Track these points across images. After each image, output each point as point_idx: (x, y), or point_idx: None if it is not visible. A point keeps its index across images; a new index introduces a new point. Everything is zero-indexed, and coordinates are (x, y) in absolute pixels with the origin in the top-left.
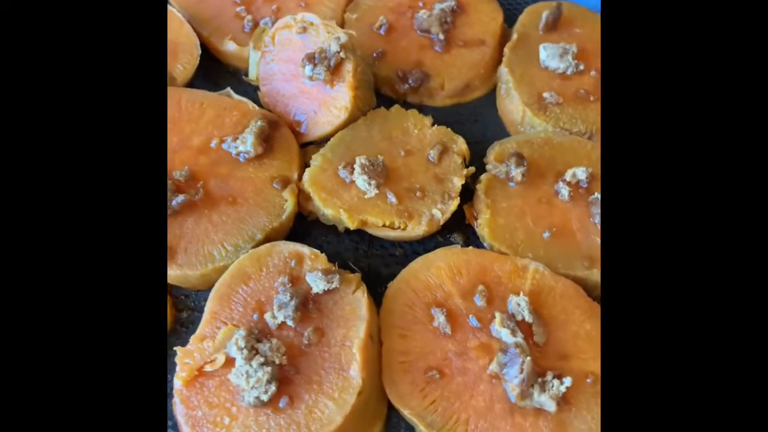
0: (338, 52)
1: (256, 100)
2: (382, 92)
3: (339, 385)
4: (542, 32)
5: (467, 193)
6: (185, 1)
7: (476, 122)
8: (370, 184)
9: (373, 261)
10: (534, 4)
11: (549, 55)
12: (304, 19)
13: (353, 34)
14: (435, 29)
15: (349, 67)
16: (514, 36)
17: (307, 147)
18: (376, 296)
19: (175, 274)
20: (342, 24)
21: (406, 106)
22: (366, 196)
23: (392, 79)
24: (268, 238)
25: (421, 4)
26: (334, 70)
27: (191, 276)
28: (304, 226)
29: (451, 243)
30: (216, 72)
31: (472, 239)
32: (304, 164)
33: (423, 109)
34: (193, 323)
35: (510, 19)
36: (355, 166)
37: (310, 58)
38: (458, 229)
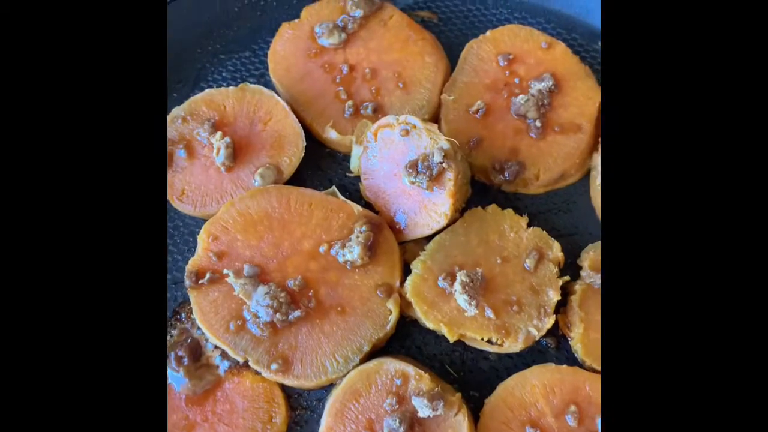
0: (441, 163)
1: (358, 190)
2: (476, 179)
3: None
4: None
5: (561, 296)
6: (286, 81)
7: (569, 212)
8: (470, 304)
9: (468, 363)
10: None
11: None
12: (407, 121)
13: (455, 142)
14: (532, 114)
15: (450, 176)
16: None
17: (406, 245)
18: (471, 400)
19: (291, 383)
20: (439, 105)
21: (500, 194)
22: (466, 314)
23: (488, 169)
24: (374, 347)
25: (517, 80)
26: (435, 178)
27: (306, 385)
28: (404, 327)
29: (544, 348)
30: (318, 154)
31: (563, 343)
32: (404, 265)
33: (516, 198)
34: (307, 422)
35: None
36: (455, 284)
37: (413, 166)
38: (551, 333)
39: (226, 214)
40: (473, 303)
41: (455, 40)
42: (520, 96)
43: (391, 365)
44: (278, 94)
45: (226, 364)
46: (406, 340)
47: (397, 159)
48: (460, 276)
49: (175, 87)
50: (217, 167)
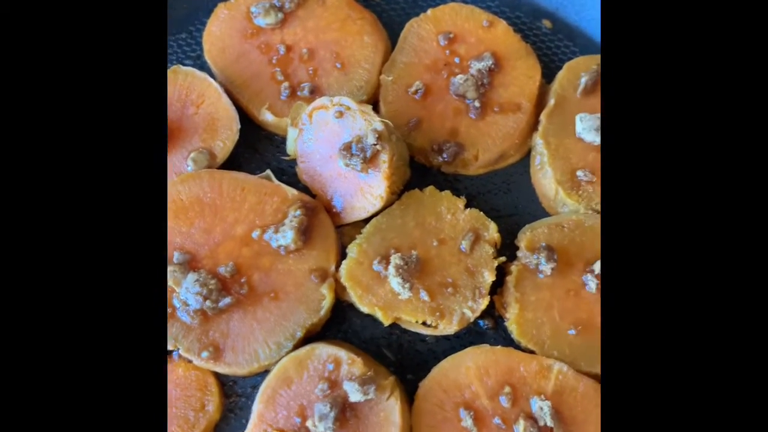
0: (374, 144)
1: (295, 174)
2: (416, 161)
3: None
4: (580, 96)
5: (498, 276)
6: (221, 62)
7: (509, 192)
8: (404, 287)
9: (405, 345)
10: (575, 58)
11: (585, 127)
12: (341, 102)
13: (389, 123)
14: (471, 94)
15: (384, 158)
16: (551, 102)
17: (343, 228)
18: (408, 384)
19: (223, 371)
20: (378, 86)
21: (440, 176)
22: (400, 297)
23: (427, 150)
24: (309, 333)
25: (457, 60)
26: (370, 160)
27: (239, 372)
28: (341, 311)
29: (482, 329)
30: (254, 136)
31: (500, 324)
32: (341, 247)
33: (456, 179)
34: (242, 409)
35: (550, 71)
36: (389, 267)
37: (347, 148)
38: (488, 314)
39: None
40: (407, 286)
41: (397, 18)
42: (459, 76)
43: (324, 350)
44: (213, 77)
45: None
46: (342, 324)
47: (332, 141)
48: (394, 259)
49: None
50: None
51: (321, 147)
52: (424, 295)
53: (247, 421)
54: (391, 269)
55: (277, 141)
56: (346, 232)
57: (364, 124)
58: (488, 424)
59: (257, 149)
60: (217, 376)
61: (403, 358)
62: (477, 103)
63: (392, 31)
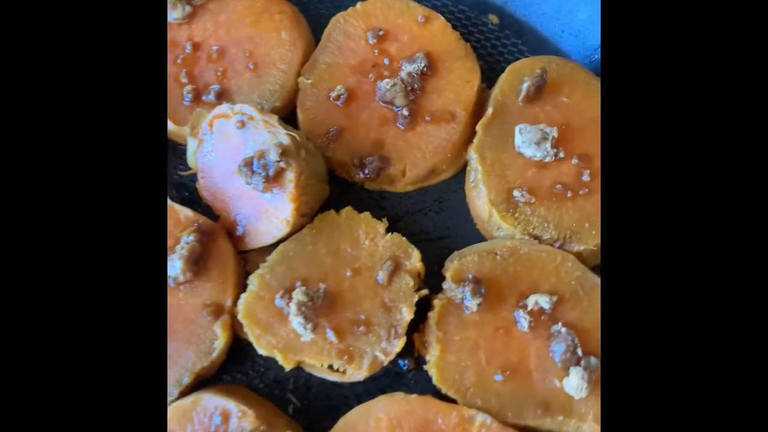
0: (278, 161)
1: (197, 190)
2: (337, 175)
3: None
4: (522, 104)
5: (422, 310)
6: None
7: (441, 211)
8: (306, 327)
9: (313, 389)
10: (519, 60)
11: (525, 140)
12: (242, 111)
13: (296, 137)
14: (399, 101)
15: (290, 177)
16: (489, 111)
17: (248, 254)
18: None
19: None
20: (296, 90)
21: (364, 193)
22: (302, 339)
23: (348, 164)
24: (198, 377)
25: (387, 61)
26: (274, 178)
27: None
28: (242, 348)
29: (400, 368)
30: None
31: (423, 363)
32: (243, 276)
33: (382, 197)
34: None
35: (494, 74)
36: (291, 303)
37: (248, 164)
38: (409, 353)
39: None
40: (309, 326)
41: (326, 12)
42: (386, 80)
43: (210, 401)
44: None
45: None
46: (244, 363)
47: (234, 155)
48: (297, 294)
49: None
50: None
51: (222, 161)
52: (330, 336)
53: None
54: (293, 307)
55: (180, 151)
56: (251, 258)
57: (269, 136)
58: None
59: None
60: None
61: (311, 404)
62: (406, 112)
63: (319, 27)
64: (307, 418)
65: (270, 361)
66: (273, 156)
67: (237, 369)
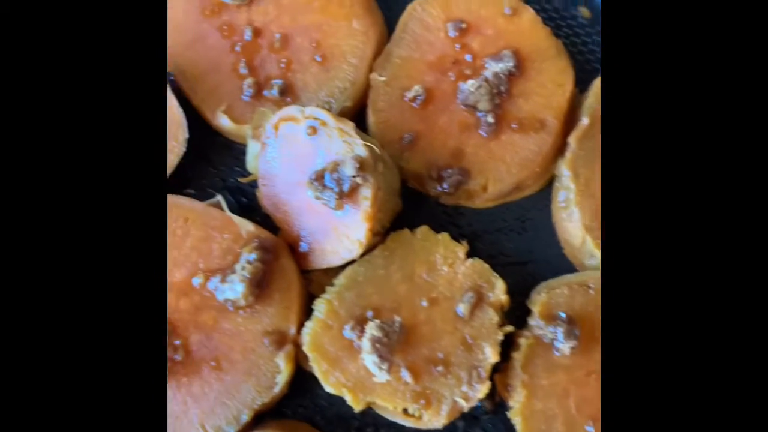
0: (354, 177)
1: (256, 197)
2: (410, 186)
3: None
4: None
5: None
6: (172, 44)
7: (523, 232)
8: (381, 368)
9: (383, 429)
10: None
11: None
12: (314, 115)
13: (374, 149)
14: (484, 106)
15: (366, 193)
16: (584, 121)
17: (312, 273)
18: None
19: None
20: (367, 87)
21: (438, 207)
22: (375, 379)
23: (423, 176)
24: (258, 413)
25: (469, 57)
26: (348, 194)
27: None
28: (302, 378)
29: (476, 412)
30: (208, 142)
31: (501, 407)
32: (306, 298)
33: (458, 212)
34: None
35: (586, 76)
36: (363, 338)
37: (319, 178)
38: (486, 395)
39: None
40: (384, 366)
41: None
42: (470, 82)
43: None
44: None
45: None
46: (305, 397)
47: (302, 164)
48: (371, 329)
49: None
50: None
51: (288, 169)
52: (406, 376)
53: None
54: (366, 342)
55: (237, 150)
56: (315, 278)
57: (343, 147)
58: None
59: (211, 160)
60: None
61: None
62: (490, 118)
63: (391, 14)
64: None
65: (333, 396)
66: (349, 170)
67: (297, 402)
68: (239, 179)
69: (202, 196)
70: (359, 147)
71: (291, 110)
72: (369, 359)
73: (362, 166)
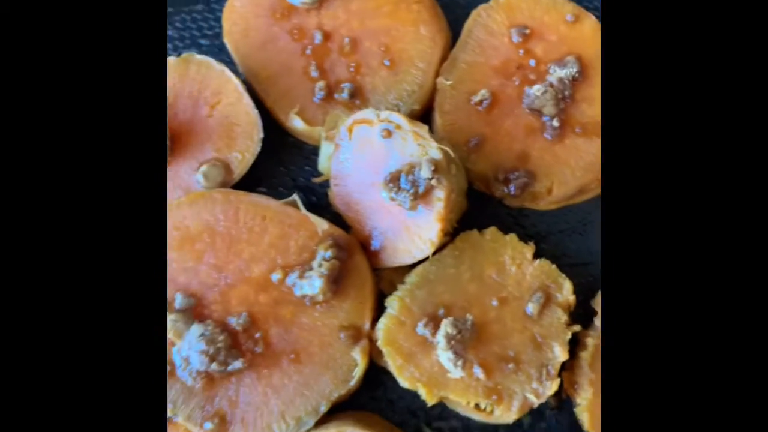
0: (429, 179)
1: (327, 195)
2: (475, 188)
3: None
4: None
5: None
6: (243, 47)
7: (585, 233)
8: (456, 364)
9: (452, 421)
10: None
11: None
12: (389, 119)
13: (448, 152)
14: (549, 110)
15: (440, 195)
16: None
17: (382, 271)
18: None
19: None
20: (434, 91)
21: (502, 209)
22: (449, 375)
23: (489, 178)
24: (336, 403)
25: (533, 63)
26: (422, 196)
27: None
28: (375, 372)
29: (542, 407)
30: (279, 142)
31: (566, 404)
32: (378, 296)
33: (522, 214)
34: None
35: None
36: (438, 335)
37: (394, 179)
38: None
39: None
40: (459, 363)
41: (462, 2)
42: (536, 86)
43: None
44: (233, 64)
45: None
46: (376, 389)
47: (375, 165)
48: (445, 326)
49: None
50: None
51: (361, 170)
52: (478, 372)
53: None
54: (441, 339)
55: (308, 150)
56: (385, 276)
57: (418, 149)
58: None
59: (282, 161)
60: None
61: None
62: (555, 122)
63: (455, 19)
64: None
65: (403, 390)
66: (425, 172)
67: (370, 395)
68: (312, 179)
69: (273, 194)
70: (434, 150)
71: (366, 113)
72: (444, 356)
73: (437, 168)
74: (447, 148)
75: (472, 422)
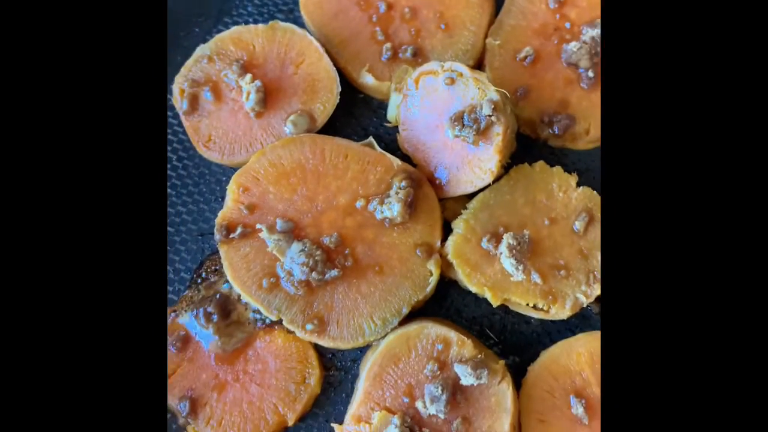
0: (490, 116)
1: (395, 140)
2: (521, 132)
3: None
4: None
5: None
6: (318, 18)
7: None
8: (517, 269)
9: (509, 326)
10: None
11: None
12: (452, 68)
13: (506, 94)
14: (584, 63)
15: (498, 130)
16: None
17: (445, 201)
18: (511, 366)
19: (326, 344)
20: (484, 50)
21: (546, 149)
22: (512, 278)
23: (535, 122)
24: (413, 309)
25: (568, 25)
26: (483, 132)
27: (341, 346)
28: (442, 287)
29: (587, 311)
30: (350, 99)
31: None
32: (444, 223)
33: (563, 153)
34: (341, 383)
35: None
36: (501, 246)
37: (458, 118)
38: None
39: (257, 163)
40: (520, 267)
41: None
42: (572, 43)
43: (433, 330)
44: (309, 33)
45: (258, 321)
46: (444, 301)
47: (440, 109)
48: (507, 238)
49: (196, 21)
50: (246, 112)
51: (427, 115)
52: (535, 277)
53: (347, 395)
54: (504, 249)
55: (374, 105)
56: (448, 206)
57: (478, 93)
58: (599, 413)
59: (354, 114)
60: (316, 347)
61: (507, 340)
62: (591, 73)
63: None
64: (503, 351)
65: (468, 299)
66: (486, 110)
67: (438, 305)
68: (385, 124)
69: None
70: (492, 92)
71: (431, 65)
72: (507, 262)
73: (496, 107)
74: (504, 91)
75: (522, 328)
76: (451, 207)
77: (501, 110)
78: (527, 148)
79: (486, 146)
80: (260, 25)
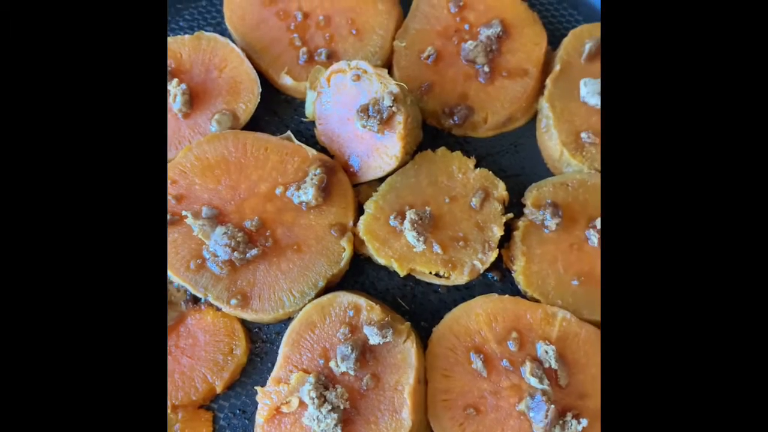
0: (391, 107)
1: (314, 135)
2: (428, 123)
3: (393, 426)
4: (585, 62)
5: (505, 232)
6: (241, 28)
7: (516, 153)
8: (418, 240)
9: (419, 296)
10: (579, 26)
11: (589, 92)
12: (358, 66)
13: (404, 86)
14: (480, 60)
15: (400, 119)
16: (557, 67)
17: (360, 186)
18: (422, 330)
19: (250, 317)
20: (392, 51)
21: (450, 138)
22: (415, 250)
23: (438, 113)
24: (329, 283)
25: (467, 27)
26: (386, 121)
27: (264, 319)
28: (358, 264)
29: (489, 280)
30: (274, 100)
31: (507, 277)
32: (358, 204)
33: (466, 141)
34: (267, 354)
35: (555, 38)
36: (405, 221)
37: (364, 110)
38: (495, 267)
39: (184, 158)
40: (421, 239)
41: None
42: (469, 42)
43: (345, 298)
44: (234, 43)
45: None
46: (360, 276)
47: (349, 104)
48: (410, 214)
49: None
50: (174, 113)
51: (339, 109)
52: (437, 248)
53: (272, 364)
54: (407, 224)
55: (296, 104)
56: (362, 190)
57: (381, 87)
58: (496, 366)
59: (277, 113)
60: (243, 323)
61: (417, 308)
62: (486, 68)
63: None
64: (415, 317)
65: (381, 273)
66: (387, 102)
67: (354, 280)
68: (302, 119)
69: None
70: (393, 86)
71: (340, 64)
72: (410, 235)
73: (396, 99)
74: (403, 84)
75: (431, 297)
76: (364, 191)
77: (401, 101)
78: (434, 138)
79: (390, 134)
80: (187, 36)
